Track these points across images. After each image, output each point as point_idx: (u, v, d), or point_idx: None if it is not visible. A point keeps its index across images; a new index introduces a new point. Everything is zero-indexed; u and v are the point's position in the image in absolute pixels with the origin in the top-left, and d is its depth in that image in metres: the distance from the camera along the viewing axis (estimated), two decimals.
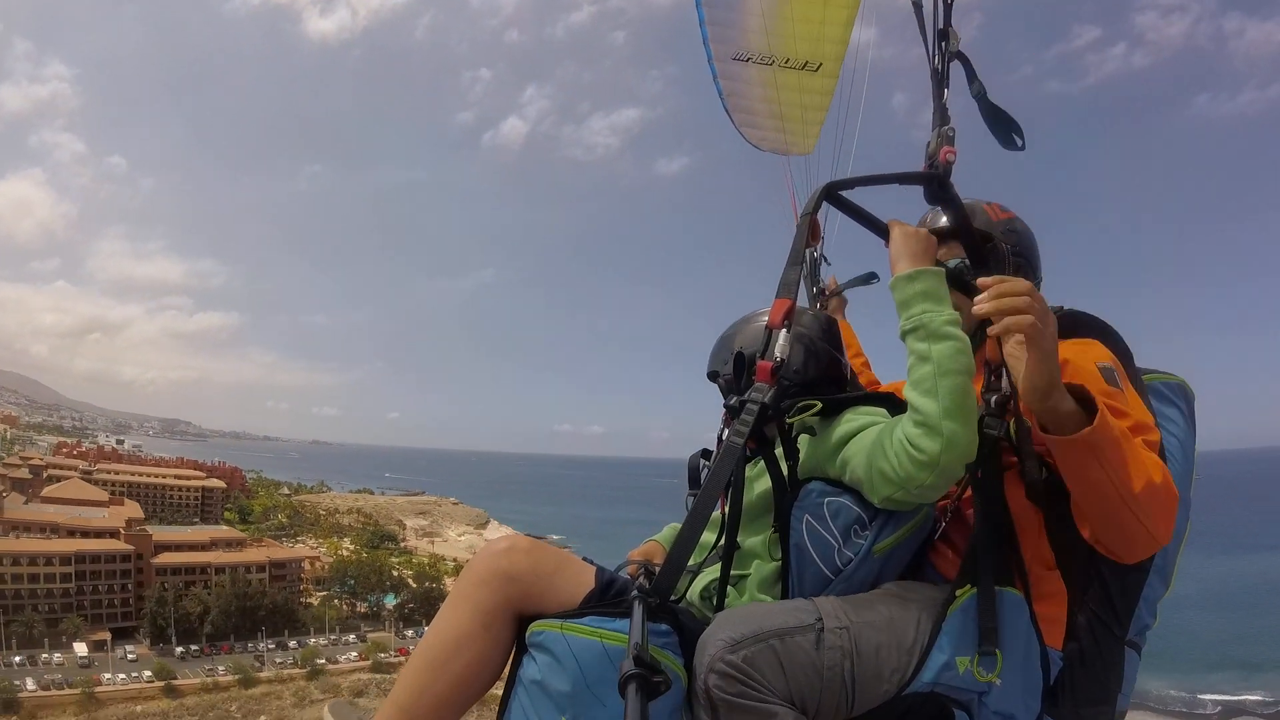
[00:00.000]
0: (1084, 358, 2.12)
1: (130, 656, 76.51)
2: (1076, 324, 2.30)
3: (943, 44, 2.53)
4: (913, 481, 1.87)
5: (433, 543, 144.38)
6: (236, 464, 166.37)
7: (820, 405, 2.15)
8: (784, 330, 2.02)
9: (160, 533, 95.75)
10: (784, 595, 2.08)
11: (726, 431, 2.35)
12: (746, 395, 1.99)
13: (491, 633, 1.88)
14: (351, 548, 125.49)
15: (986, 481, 2.08)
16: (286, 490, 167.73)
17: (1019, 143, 2.50)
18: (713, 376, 2.57)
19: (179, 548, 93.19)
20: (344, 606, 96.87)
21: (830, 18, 4.30)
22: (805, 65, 4.39)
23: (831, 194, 2.26)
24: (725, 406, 2.39)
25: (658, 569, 1.99)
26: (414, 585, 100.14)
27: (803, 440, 2.24)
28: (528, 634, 1.87)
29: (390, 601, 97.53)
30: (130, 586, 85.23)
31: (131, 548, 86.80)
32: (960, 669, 1.93)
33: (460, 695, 1.88)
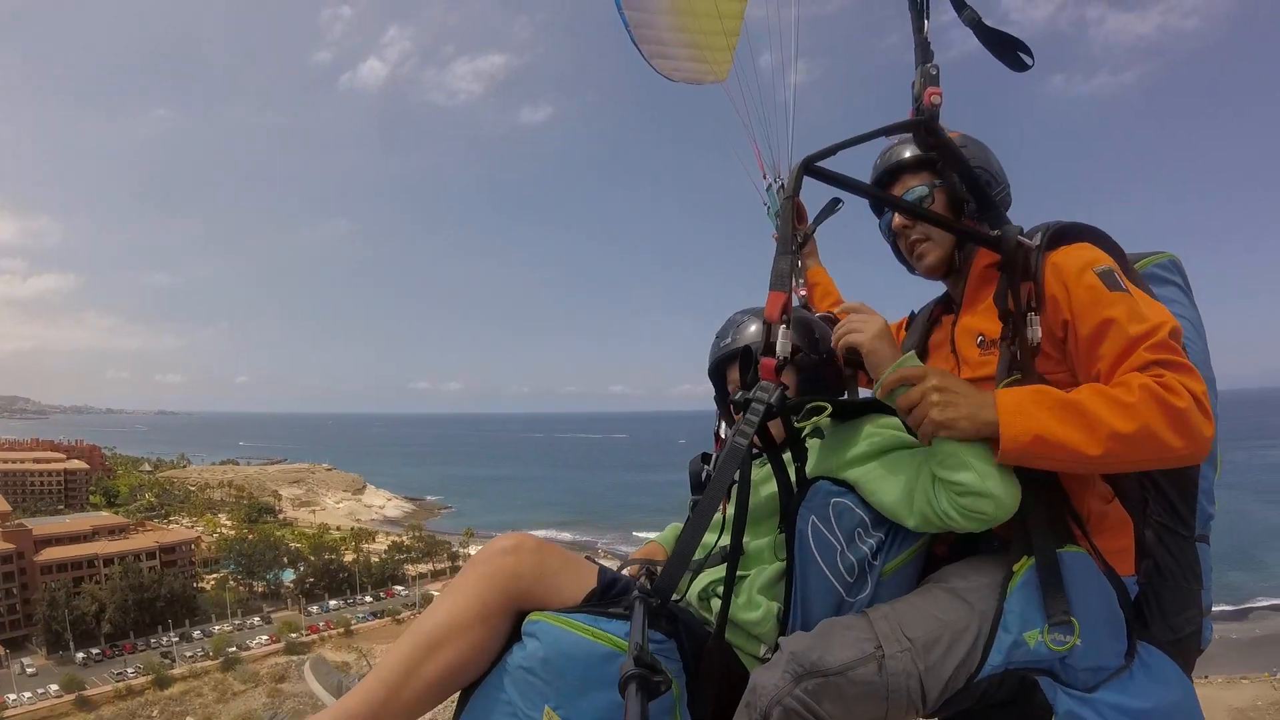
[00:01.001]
0: (1077, 265, 2.02)
1: (29, 670, 71.60)
2: (1064, 235, 2.13)
3: None
4: (966, 527, 1.88)
5: (314, 512, 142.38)
6: (83, 441, 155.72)
7: (830, 409, 2.06)
8: (782, 326, 1.94)
9: (37, 526, 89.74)
10: (787, 598, 2.05)
11: (726, 430, 2.40)
12: (751, 394, 1.93)
13: (488, 625, 1.91)
14: (230, 523, 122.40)
15: None
16: (148, 467, 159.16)
17: (1029, 62, 2.30)
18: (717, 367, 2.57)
19: (60, 541, 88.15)
20: (240, 588, 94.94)
21: None
22: None
23: (810, 168, 2.08)
24: (730, 402, 2.21)
25: (659, 569, 2.03)
26: (312, 559, 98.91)
27: (810, 441, 2.21)
28: (524, 624, 1.92)
29: (288, 577, 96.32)
30: (15, 590, 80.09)
31: (12, 546, 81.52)
32: (1031, 643, 1.90)
33: (448, 680, 1.89)
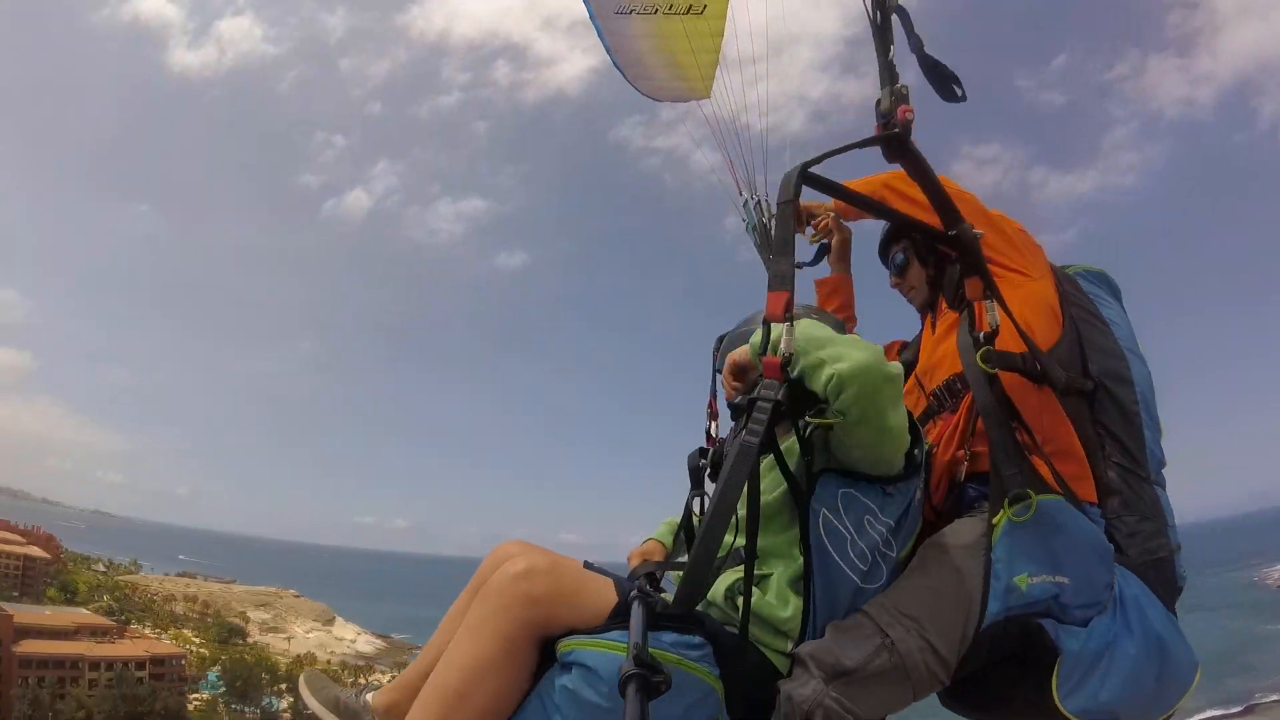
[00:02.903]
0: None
1: None
2: None
3: None
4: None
5: (287, 640, 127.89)
6: (39, 528, 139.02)
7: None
8: (786, 324, 1.94)
9: (17, 613, 75.81)
10: (806, 593, 2.05)
11: (715, 428, 2.57)
12: (755, 393, 1.90)
13: (515, 660, 1.85)
14: (199, 640, 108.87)
15: (986, 405, 2.27)
16: (101, 567, 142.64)
17: (959, 93, 2.43)
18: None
19: (42, 634, 74.81)
20: (226, 711, 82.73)
21: None
22: (690, 9, 4.28)
23: (807, 175, 2.16)
24: (729, 405, 2.35)
25: (657, 569, 2.07)
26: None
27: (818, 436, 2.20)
28: (560, 651, 1.86)
29: (280, 706, 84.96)
30: None
31: None
32: (1023, 587, 2.06)
33: None
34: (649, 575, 2.07)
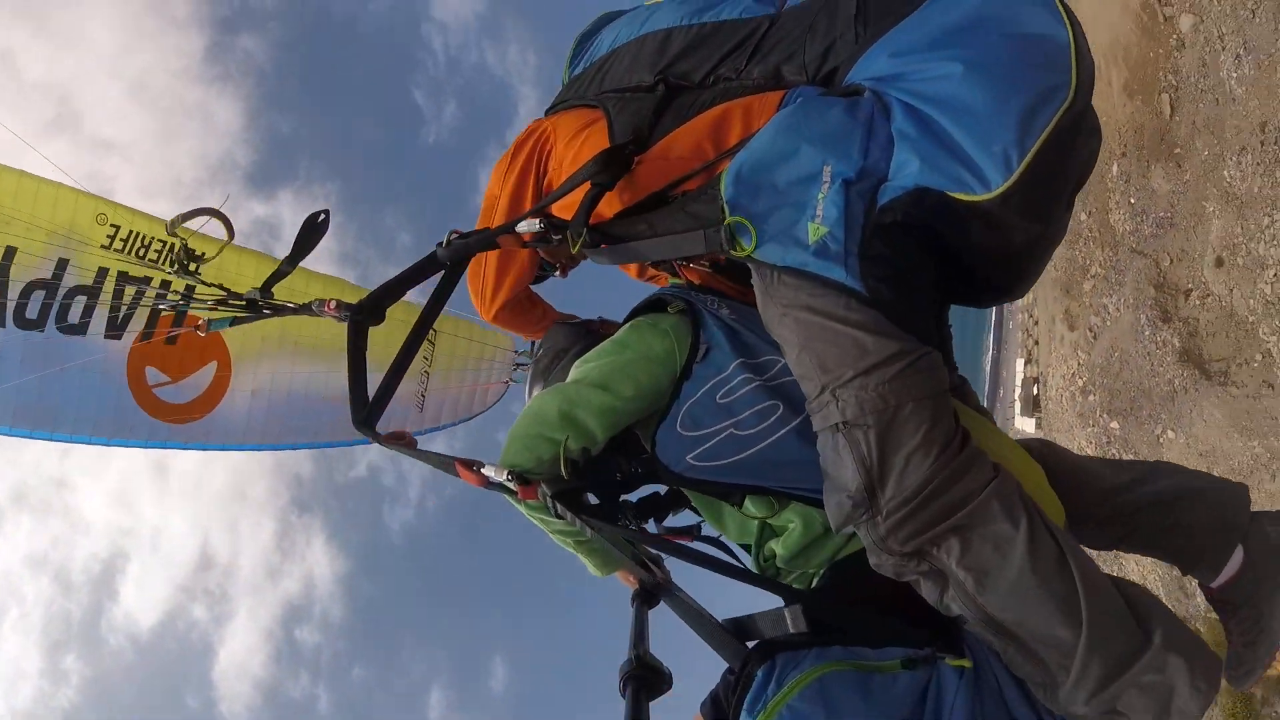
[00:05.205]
0: None
1: None
2: None
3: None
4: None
5: None
6: None
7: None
8: (488, 471, 1.87)
9: None
10: (782, 501, 1.86)
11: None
12: (552, 514, 1.87)
13: None
14: None
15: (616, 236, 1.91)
16: None
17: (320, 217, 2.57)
18: None
19: None
20: None
21: None
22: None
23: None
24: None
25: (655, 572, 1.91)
26: None
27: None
28: None
29: None
30: None
31: None
32: (822, 228, 1.53)
33: None
34: (643, 584, 2.00)
